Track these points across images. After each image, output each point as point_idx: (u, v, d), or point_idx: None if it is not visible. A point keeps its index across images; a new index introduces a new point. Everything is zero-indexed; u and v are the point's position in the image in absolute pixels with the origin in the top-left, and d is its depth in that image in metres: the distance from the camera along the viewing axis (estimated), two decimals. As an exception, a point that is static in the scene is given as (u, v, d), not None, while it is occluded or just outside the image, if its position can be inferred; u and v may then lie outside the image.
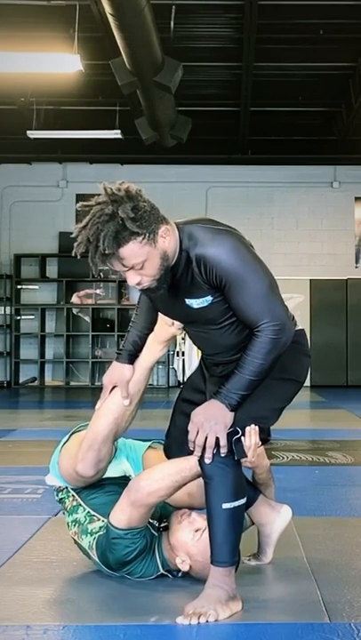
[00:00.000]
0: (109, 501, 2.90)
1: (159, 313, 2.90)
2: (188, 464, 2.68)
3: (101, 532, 2.87)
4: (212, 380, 2.87)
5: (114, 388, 2.97)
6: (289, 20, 9.26)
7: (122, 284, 14.32)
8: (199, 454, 2.57)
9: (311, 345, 13.16)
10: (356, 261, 14.69)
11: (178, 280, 2.61)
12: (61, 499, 3.10)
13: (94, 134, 11.81)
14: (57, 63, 8.78)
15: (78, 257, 2.54)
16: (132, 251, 2.48)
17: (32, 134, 11.69)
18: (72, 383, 14.64)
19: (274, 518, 3.08)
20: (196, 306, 2.63)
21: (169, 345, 3.01)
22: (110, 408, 2.95)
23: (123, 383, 2.95)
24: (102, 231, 2.44)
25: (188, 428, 2.60)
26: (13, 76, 9.65)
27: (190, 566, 2.83)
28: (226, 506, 2.57)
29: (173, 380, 14.50)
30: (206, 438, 2.55)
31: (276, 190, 14.65)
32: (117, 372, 2.97)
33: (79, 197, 14.25)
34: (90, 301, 14.64)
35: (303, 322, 14.88)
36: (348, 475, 5.30)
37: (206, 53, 10.28)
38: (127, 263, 2.50)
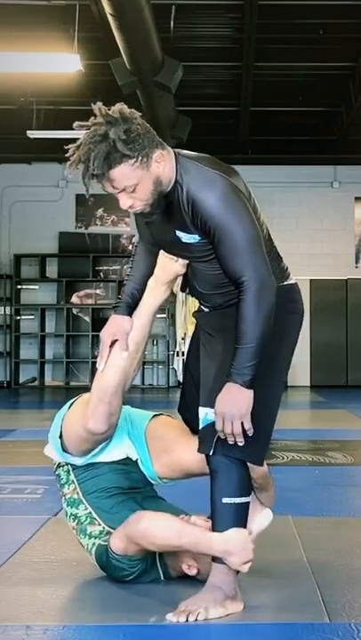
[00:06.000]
0: (111, 506, 2.87)
1: (159, 254, 2.84)
2: (196, 534, 2.60)
3: (100, 541, 2.84)
4: (207, 340, 2.78)
5: (114, 341, 2.88)
6: (289, 20, 9.26)
7: (122, 283, 14.28)
8: (232, 441, 2.51)
9: (311, 345, 13.13)
10: (356, 261, 14.69)
11: (172, 210, 2.59)
12: (59, 475, 3.01)
13: (94, 134, 11.79)
14: (57, 63, 8.79)
15: (70, 176, 2.53)
16: (123, 173, 2.46)
17: (32, 134, 11.69)
18: (72, 383, 14.62)
19: (254, 517, 3.02)
20: (184, 240, 2.61)
21: (172, 287, 2.93)
22: (117, 359, 2.87)
23: (122, 335, 2.88)
24: (93, 151, 2.43)
25: (215, 420, 2.53)
26: (13, 76, 9.64)
27: (198, 570, 2.79)
28: (226, 500, 2.55)
29: (173, 380, 14.50)
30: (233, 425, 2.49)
31: (276, 190, 14.62)
32: (116, 324, 2.90)
33: (79, 197, 14.24)
34: (90, 301, 14.64)
35: (303, 322, 14.83)
36: (348, 475, 5.30)
37: (206, 53, 10.28)
38: (118, 185, 2.49)
